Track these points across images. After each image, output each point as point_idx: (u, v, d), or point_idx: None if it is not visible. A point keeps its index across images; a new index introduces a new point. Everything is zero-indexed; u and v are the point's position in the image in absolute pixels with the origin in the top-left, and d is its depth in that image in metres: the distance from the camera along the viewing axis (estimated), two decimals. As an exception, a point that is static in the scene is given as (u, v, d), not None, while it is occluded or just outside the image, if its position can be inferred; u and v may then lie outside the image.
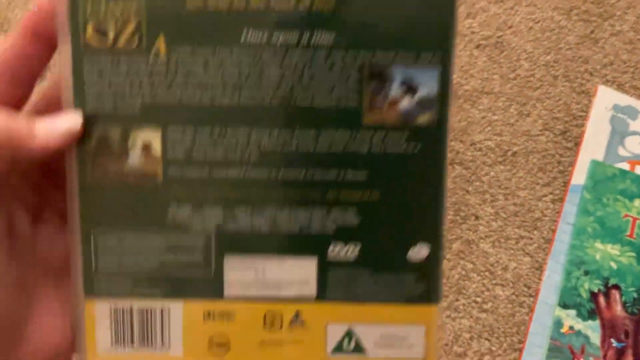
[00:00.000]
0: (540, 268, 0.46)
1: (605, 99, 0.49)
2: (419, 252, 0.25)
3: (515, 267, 0.46)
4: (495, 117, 0.49)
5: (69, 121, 0.23)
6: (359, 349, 0.25)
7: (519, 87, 0.50)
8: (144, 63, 0.24)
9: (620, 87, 0.50)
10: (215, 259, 0.25)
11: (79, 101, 0.24)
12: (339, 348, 0.25)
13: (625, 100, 0.49)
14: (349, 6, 0.24)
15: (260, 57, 0.24)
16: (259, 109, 0.24)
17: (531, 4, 0.53)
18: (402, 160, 0.24)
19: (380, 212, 0.25)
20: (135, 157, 0.24)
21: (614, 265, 0.45)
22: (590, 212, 0.46)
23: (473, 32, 0.51)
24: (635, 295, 0.44)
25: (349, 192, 0.25)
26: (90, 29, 0.24)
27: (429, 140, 0.24)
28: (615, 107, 0.49)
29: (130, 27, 0.24)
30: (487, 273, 0.46)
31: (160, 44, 0.24)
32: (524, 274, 0.46)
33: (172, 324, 0.25)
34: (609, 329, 0.44)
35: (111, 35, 0.24)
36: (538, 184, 0.48)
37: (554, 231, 0.46)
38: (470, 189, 0.48)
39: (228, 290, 0.25)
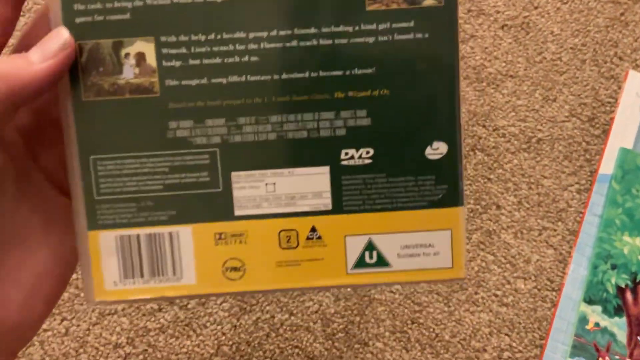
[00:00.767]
0: (564, 261, 0.44)
1: (636, 84, 0.47)
2: (437, 149, 0.23)
3: (538, 260, 0.44)
4: (519, 102, 0.47)
5: (60, 38, 0.21)
6: (381, 262, 0.24)
7: (544, 70, 0.48)
8: None
9: (651, 73, 0.48)
10: (222, 176, 0.23)
11: (67, 16, 0.22)
12: (360, 263, 0.24)
13: (657, 86, 0.47)
14: None
15: None
16: (255, 7, 0.22)
17: (558, -17, 0.50)
18: (411, 48, 0.23)
19: (392, 109, 0.23)
20: (129, 70, 0.23)
21: (642, 259, 0.43)
22: (618, 203, 0.44)
23: (498, 12, 0.49)
24: (664, 291, 0.42)
25: (357, 89, 0.23)
26: None
27: (437, 23, 0.23)
28: (647, 94, 0.47)
29: None
30: (508, 265, 0.44)
31: None
32: (547, 267, 0.44)
33: (182, 251, 0.24)
34: (636, 326, 0.42)
35: None
36: (563, 172, 0.46)
37: (579, 223, 0.44)
38: (492, 176, 0.45)
39: (238, 210, 0.24)
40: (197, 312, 0.42)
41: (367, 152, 0.24)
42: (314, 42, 0.23)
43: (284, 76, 0.23)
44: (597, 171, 0.45)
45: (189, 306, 0.42)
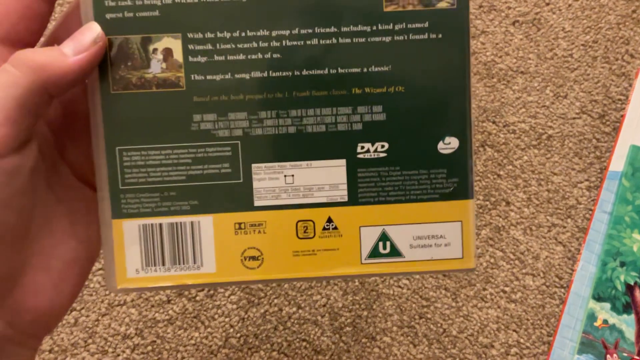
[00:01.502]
0: (573, 258, 0.44)
1: (647, 82, 0.47)
2: (448, 144, 0.25)
3: (547, 257, 0.44)
4: (530, 98, 0.47)
5: (93, 32, 0.22)
6: (395, 252, 0.25)
7: (555, 67, 0.48)
8: None
9: (663, 70, 0.48)
10: (243, 168, 0.24)
11: (98, 12, 0.23)
12: (374, 253, 0.25)
13: (669, 83, 0.47)
14: None
15: None
16: (278, 6, 0.24)
17: (570, -20, 0.50)
18: (425, 48, 0.24)
19: (406, 105, 0.24)
20: (156, 64, 0.24)
21: (651, 257, 0.42)
22: (628, 200, 0.43)
23: (509, 8, 0.49)
24: (673, 289, 0.42)
25: (374, 86, 0.24)
26: None
27: (450, 24, 0.24)
28: (659, 91, 0.47)
29: None
30: (517, 262, 0.44)
31: None
32: (556, 263, 0.44)
33: (203, 240, 0.24)
34: (645, 324, 0.41)
35: None
36: (574, 169, 0.45)
37: (589, 220, 0.44)
38: (501, 173, 0.45)
39: (258, 200, 0.24)
40: (206, 304, 0.42)
41: (382, 146, 0.25)
42: (334, 40, 0.24)
43: (305, 72, 0.24)
44: (607, 168, 0.45)
45: (198, 298, 0.42)
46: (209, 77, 0.24)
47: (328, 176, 0.24)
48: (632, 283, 0.42)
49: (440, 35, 0.24)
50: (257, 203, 0.24)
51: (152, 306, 0.41)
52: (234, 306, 0.42)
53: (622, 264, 0.42)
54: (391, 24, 0.24)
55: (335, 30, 0.24)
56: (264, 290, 0.42)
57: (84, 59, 0.22)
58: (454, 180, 0.25)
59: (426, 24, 0.24)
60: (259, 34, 0.24)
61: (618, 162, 0.45)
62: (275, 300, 0.42)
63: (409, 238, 0.25)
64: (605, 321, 0.42)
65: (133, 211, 0.24)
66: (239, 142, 0.24)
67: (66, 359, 0.41)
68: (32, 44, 0.23)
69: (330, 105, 0.24)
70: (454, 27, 0.24)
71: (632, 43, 0.49)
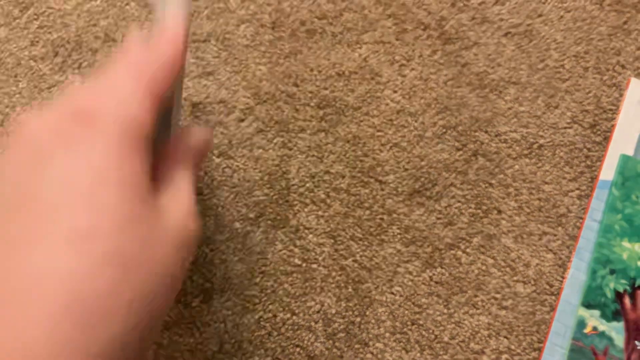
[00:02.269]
0: (563, 266, 0.44)
1: (637, 92, 0.47)
2: None
3: (537, 264, 0.44)
4: (522, 108, 0.48)
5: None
6: None
7: (547, 78, 0.48)
8: None
9: (653, 81, 0.48)
10: None
11: None
12: None
13: (658, 94, 0.48)
14: None
15: None
16: None
17: (562, -8, 0.51)
18: None
19: None
20: None
21: (641, 265, 0.43)
22: (618, 209, 0.44)
23: (502, 20, 0.50)
24: (662, 297, 0.42)
25: None
26: None
27: None
28: (648, 101, 0.47)
29: None
30: (508, 269, 0.44)
31: None
32: (546, 271, 0.44)
33: None
34: (634, 331, 0.42)
35: None
36: (564, 178, 0.46)
37: (579, 228, 0.45)
38: (493, 181, 0.46)
39: None
40: (201, 311, 0.42)
41: None
42: None
43: None
44: (598, 177, 0.46)
45: (193, 304, 0.43)
46: None
47: None
48: (621, 290, 0.43)
49: None
50: None
51: (149, 312, 0.42)
52: (229, 312, 0.42)
53: (612, 272, 0.43)
54: None
55: None
56: (259, 297, 0.43)
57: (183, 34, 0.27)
58: None
59: None
60: None
61: (608, 172, 0.46)
62: (270, 307, 0.43)
63: None
64: (594, 328, 0.42)
65: None
66: None
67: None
68: None
69: None
70: None
71: (623, 54, 0.49)
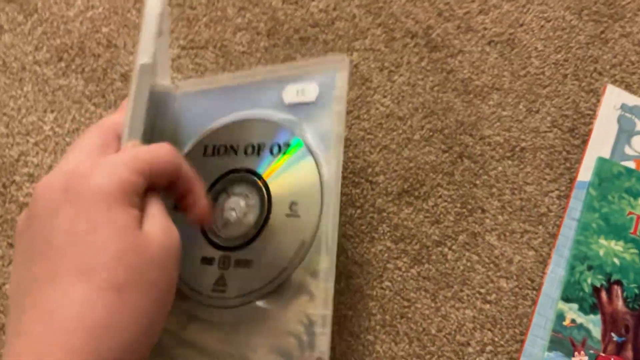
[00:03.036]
0: (544, 262, 0.47)
1: (614, 98, 0.50)
2: None
3: (519, 261, 0.47)
4: (504, 113, 0.50)
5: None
6: None
7: (528, 84, 0.51)
8: None
9: (628, 87, 0.51)
10: None
11: None
12: None
13: (633, 100, 0.50)
14: None
15: None
16: None
17: (543, 3, 0.54)
18: None
19: None
20: None
21: (617, 261, 0.46)
22: (595, 208, 0.47)
23: (485, 29, 0.52)
24: (636, 291, 0.45)
25: None
26: None
27: None
28: (623, 107, 0.50)
29: None
30: (491, 265, 0.47)
31: None
32: (528, 267, 0.47)
33: None
34: (610, 323, 0.44)
35: None
36: (545, 179, 0.49)
37: (559, 226, 0.47)
38: (477, 182, 0.48)
39: None
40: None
41: None
42: None
43: None
44: (576, 178, 0.48)
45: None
46: None
47: None
48: (598, 285, 0.45)
49: None
50: None
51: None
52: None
53: (590, 268, 0.45)
54: None
55: None
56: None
57: None
58: None
59: None
60: None
61: (586, 173, 0.48)
62: (266, 301, 0.45)
63: None
64: (573, 321, 0.44)
65: None
66: None
67: None
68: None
69: None
70: None
71: (600, 62, 0.52)
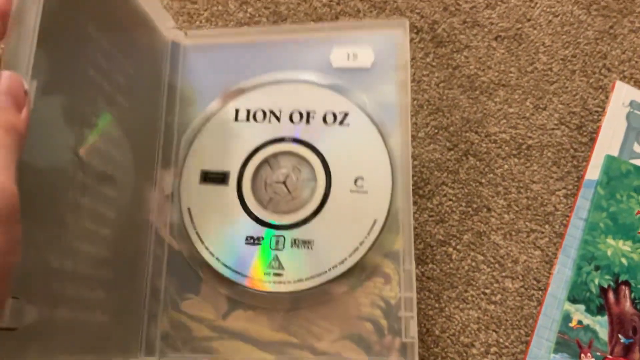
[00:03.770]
0: (550, 262, 0.46)
1: (623, 95, 0.49)
2: None
3: (525, 260, 0.46)
4: (511, 110, 0.49)
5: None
6: None
7: (535, 80, 0.50)
8: None
9: (637, 84, 0.50)
10: None
11: None
12: None
13: (642, 97, 0.49)
14: None
15: None
16: None
17: (551, -3, 0.53)
18: None
19: None
20: None
21: (624, 261, 0.45)
22: (603, 207, 0.46)
23: (492, 24, 0.51)
24: (644, 292, 0.44)
25: None
26: None
27: None
28: (632, 104, 0.49)
29: None
30: (497, 265, 0.46)
31: None
32: (534, 267, 0.46)
33: None
34: (617, 324, 0.44)
35: None
36: (552, 178, 0.48)
37: (565, 226, 0.46)
38: (483, 180, 0.48)
39: None
40: None
41: None
42: None
43: None
44: (584, 177, 0.47)
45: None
46: None
47: None
48: (605, 286, 0.44)
49: None
50: None
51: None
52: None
53: (597, 268, 0.45)
54: None
55: None
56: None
57: None
58: None
59: None
60: None
61: (594, 171, 0.47)
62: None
63: None
64: (580, 322, 0.44)
65: None
66: None
67: None
68: None
69: None
70: None
71: (609, 57, 0.51)
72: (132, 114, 0.35)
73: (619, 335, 0.43)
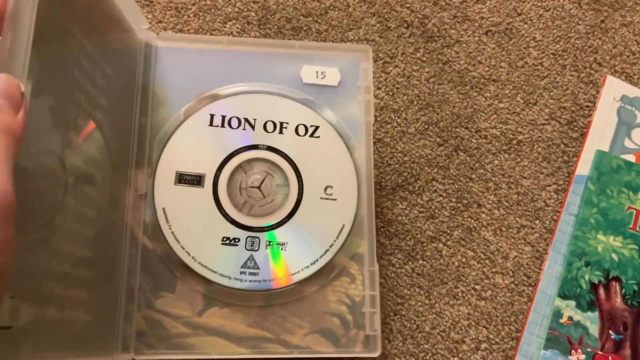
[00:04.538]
0: (540, 258, 0.46)
1: (613, 89, 0.49)
2: None
3: (515, 256, 0.46)
4: (501, 105, 0.49)
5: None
6: None
7: (526, 75, 0.50)
8: None
9: (628, 79, 0.50)
10: None
11: None
12: None
13: (633, 91, 0.49)
14: None
15: None
16: None
17: (542, -9, 0.52)
18: None
19: None
20: None
21: (615, 257, 0.45)
22: (593, 203, 0.46)
23: (482, 18, 0.51)
24: (635, 288, 0.44)
25: None
26: None
27: None
28: (623, 98, 0.49)
29: None
30: (487, 261, 0.46)
31: None
32: (524, 263, 0.46)
33: None
34: (608, 320, 0.44)
35: None
36: (542, 173, 0.48)
37: (556, 221, 0.46)
38: (473, 176, 0.47)
39: None
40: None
41: None
42: None
43: None
44: (574, 172, 0.47)
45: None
46: None
47: None
48: (596, 282, 0.44)
49: None
50: None
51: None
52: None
53: (587, 264, 0.45)
54: None
55: None
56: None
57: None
58: None
59: None
60: None
61: (584, 167, 0.47)
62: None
63: None
64: (570, 318, 0.44)
65: None
66: None
67: None
68: None
69: None
70: None
71: (600, 52, 0.51)
72: (110, 114, 0.35)
73: (610, 331, 0.43)
